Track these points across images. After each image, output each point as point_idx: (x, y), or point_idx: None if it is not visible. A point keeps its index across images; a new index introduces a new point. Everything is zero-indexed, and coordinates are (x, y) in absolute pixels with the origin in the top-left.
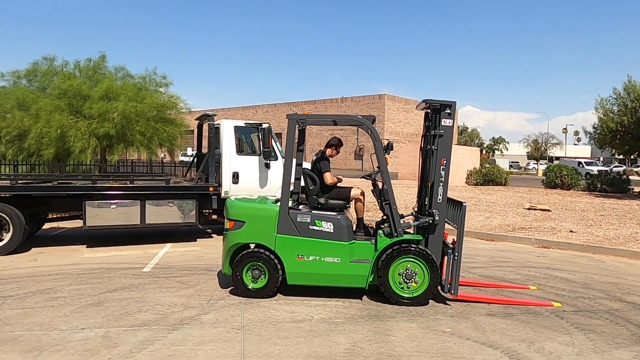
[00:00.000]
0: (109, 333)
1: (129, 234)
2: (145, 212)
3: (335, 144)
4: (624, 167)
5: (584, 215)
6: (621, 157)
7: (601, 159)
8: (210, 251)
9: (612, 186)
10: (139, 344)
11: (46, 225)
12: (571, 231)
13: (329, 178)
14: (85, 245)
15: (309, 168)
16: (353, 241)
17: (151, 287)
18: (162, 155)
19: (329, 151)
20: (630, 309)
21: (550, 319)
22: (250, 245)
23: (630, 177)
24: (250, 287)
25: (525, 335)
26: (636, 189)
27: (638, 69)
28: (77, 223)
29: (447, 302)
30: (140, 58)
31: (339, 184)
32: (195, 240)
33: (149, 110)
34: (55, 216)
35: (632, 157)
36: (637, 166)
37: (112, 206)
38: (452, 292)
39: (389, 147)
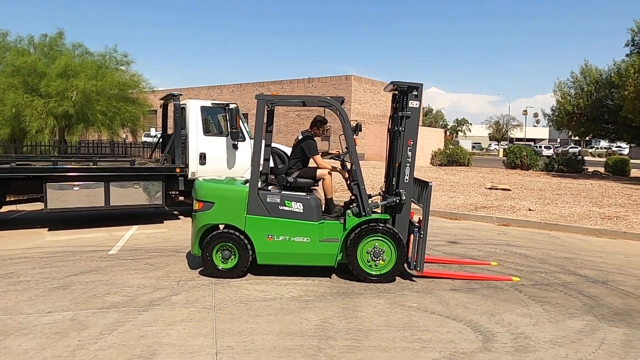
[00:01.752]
0: (78, 316)
1: (93, 217)
2: (109, 194)
3: (320, 120)
4: (579, 148)
5: (542, 194)
6: (577, 138)
7: (559, 140)
8: (177, 233)
9: (568, 166)
10: (109, 326)
11: (3, 209)
12: (530, 209)
13: (320, 161)
14: (47, 229)
15: (280, 148)
16: (322, 221)
17: (119, 269)
18: (125, 135)
19: (312, 131)
20: (583, 281)
21: (510, 293)
22: (220, 226)
23: (585, 158)
24: (220, 268)
25: (486, 308)
26: (590, 169)
27: (595, 53)
28: (37, 206)
29: (413, 278)
30: (99, 36)
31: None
32: (162, 222)
33: (110, 88)
34: (13, 199)
35: (587, 138)
36: (592, 147)
37: (74, 188)
38: (418, 269)
39: (357, 129)
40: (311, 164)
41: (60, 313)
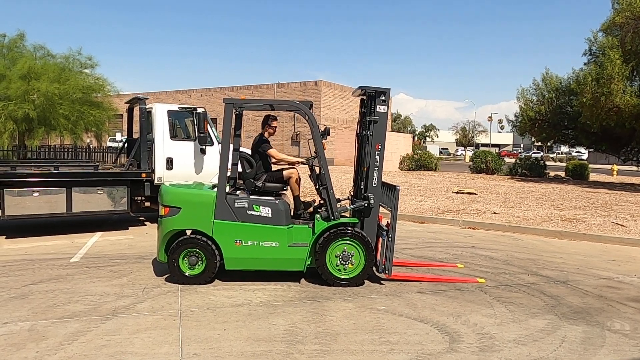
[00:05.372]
0: (36, 326)
1: (55, 224)
2: (72, 200)
3: (269, 121)
4: (542, 154)
5: (506, 197)
6: (540, 144)
7: (522, 145)
8: (143, 239)
9: (531, 171)
10: (70, 336)
11: None
12: (494, 213)
13: (275, 154)
14: (4, 237)
15: (248, 153)
16: (291, 225)
17: (81, 277)
18: (89, 140)
19: (266, 132)
20: (545, 282)
21: (475, 294)
22: (187, 231)
23: (547, 163)
24: (187, 274)
25: (453, 309)
26: (552, 173)
27: (557, 59)
28: None
29: (382, 281)
30: (61, 37)
31: (282, 165)
32: (128, 229)
33: (74, 92)
34: None
35: (548, 144)
36: (553, 152)
37: (34, 194)
38: (386, 272)
39: (326, 133)
40: (277, 166)
41: (17, 324)
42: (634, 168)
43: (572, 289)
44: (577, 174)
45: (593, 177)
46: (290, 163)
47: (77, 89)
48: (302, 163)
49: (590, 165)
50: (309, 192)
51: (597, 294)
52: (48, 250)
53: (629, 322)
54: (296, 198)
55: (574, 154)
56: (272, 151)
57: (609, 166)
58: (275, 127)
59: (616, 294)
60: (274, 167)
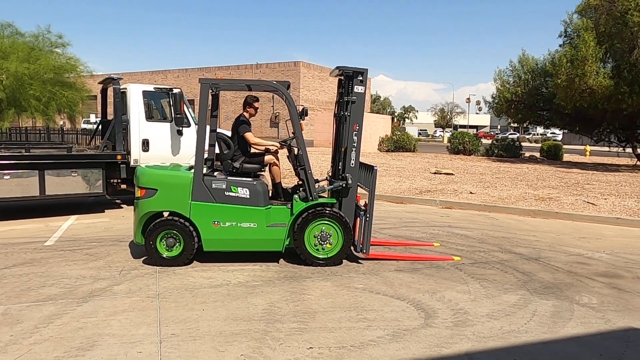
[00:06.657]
0: (10, 310)
1: (28, 207)
2: (44, 182)
3: (251, 102)
4: (518, 135)
5: (483, 178)
6: (516, 125)
7: (499, 127)
8: (120, 222)
9: (507, 151)
10: (45, 319)
11: None
12: (471, 192)
13: (251, 138)
14: None
15: (225, 134)
16: (269, 206)
17: (55, 260)
18: (62, 122)
19: (246, 112)
20: (518, 259)
21: (451, 271)
22: (164, 213)
23: (523, 144)
24: (164, 256)
25: (428, 286)
26: (527, 154)
27: (534, 41)
28: None
29: (360, 261)
30: (30, 15)
31: (257, 148)
32: (104, 212)
33: (45, 72)
34: None
35: (524, 125)
36: (529, 134)
37: (5, 177)
38: (364, 251)
39: (303, 113)
40: (255, 149)
41: None
42: (606, 148)
43: (543, 265)
44: (551, 155)
45: (567, 157)
46: (265, 148)
47: (47, 69)
48: (279, 146)
49: (565, 146)
50: (287, 173)
51: (567, 270)
52: (21, 234)
53: (596, 296)
54: (278, 185)
55: (549, 135)
56: (248, 135)
57: (582, 147)
58: (257, 107)
59: (585, 269)
60: (253, 151)
